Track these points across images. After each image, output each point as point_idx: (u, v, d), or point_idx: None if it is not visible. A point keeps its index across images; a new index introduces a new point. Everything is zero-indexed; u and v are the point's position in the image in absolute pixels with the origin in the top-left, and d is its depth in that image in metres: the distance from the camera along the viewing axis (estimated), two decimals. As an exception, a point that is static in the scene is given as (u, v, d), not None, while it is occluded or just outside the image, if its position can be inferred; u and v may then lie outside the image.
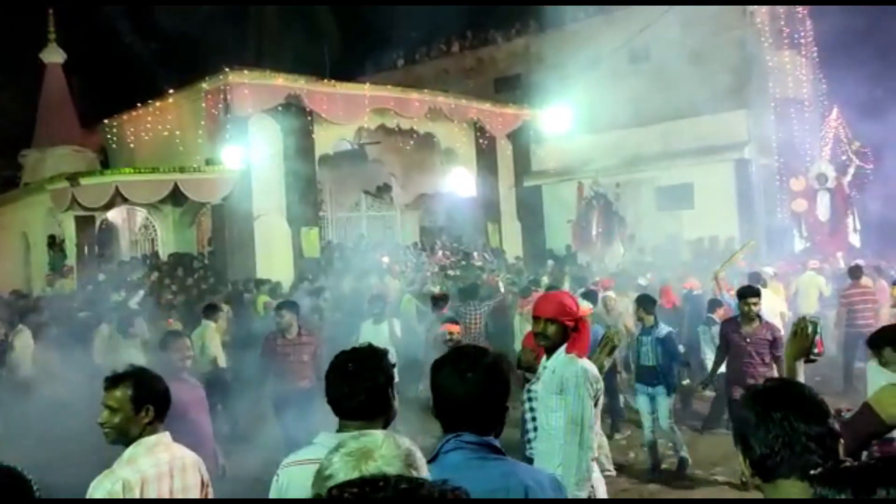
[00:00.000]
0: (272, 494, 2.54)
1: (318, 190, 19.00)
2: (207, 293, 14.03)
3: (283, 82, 16.67)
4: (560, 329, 3.67)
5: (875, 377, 3.83)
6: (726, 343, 6.97)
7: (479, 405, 2.12)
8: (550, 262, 18.07)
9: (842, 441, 1.71)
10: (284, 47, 27.48)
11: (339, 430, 2.45)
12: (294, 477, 2.48)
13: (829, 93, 22.37)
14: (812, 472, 1.42)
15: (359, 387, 2.45)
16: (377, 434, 1.56)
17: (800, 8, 21.54)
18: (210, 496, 3.12)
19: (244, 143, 16.33)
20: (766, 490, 1.74)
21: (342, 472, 1.45)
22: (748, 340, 6.71)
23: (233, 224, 16.56)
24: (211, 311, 9.50)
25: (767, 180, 20.34)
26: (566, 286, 11.67)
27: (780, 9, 21.07)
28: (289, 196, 16.99)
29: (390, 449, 1.49)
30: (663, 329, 7.45)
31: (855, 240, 17.98)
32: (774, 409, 1.69)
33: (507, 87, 25.03)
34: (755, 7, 20.58)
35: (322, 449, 2.18)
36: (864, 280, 10.65)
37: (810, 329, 3.02)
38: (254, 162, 16.38)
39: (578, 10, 23.72)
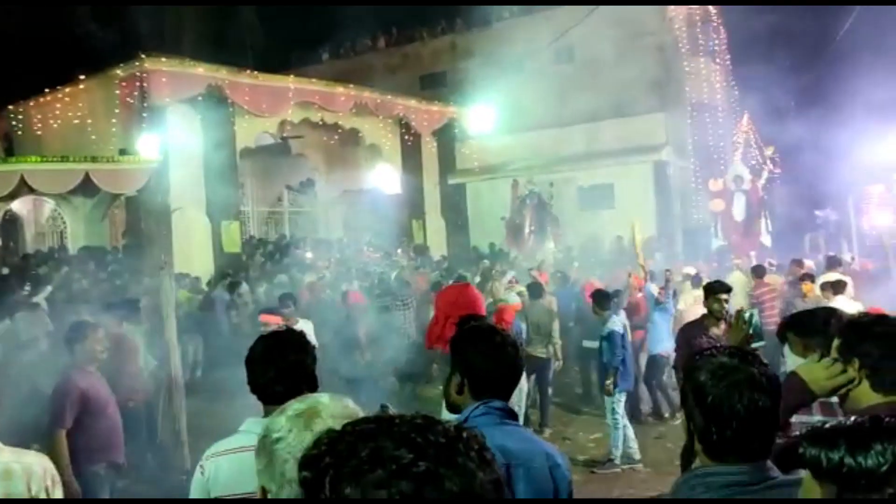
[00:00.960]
0: (196, 487, 2.41)
1: (240, 184, 18.53)
2: (121, 289, 13.47)
3: (204, 71, 16.17)
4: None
5: (791, 362, 3.98)
6: (689, 349, 6.71)
7: (506, 376, 2.31)
8: (486, 262, 18.11)
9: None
10: (204, 36, 26.71)
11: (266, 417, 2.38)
12: (222, 467, 2.38)
13: (740, 99, 23.32)
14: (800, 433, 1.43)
15: (285, 370, 2.42)
16: (322, 395, 1.56)
17: (714, 17, 22.35)
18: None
19: (161, 133, 15.76)
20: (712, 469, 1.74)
21: (292, 433, 1.45)
22: (719, 343, 6.52)
23: (149, 217, 15.97)
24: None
25: (684, 182, 21.03)
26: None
27: (697, 17, 21.82)
28: (209, 189, 16.49)
29: (337, 408, 1.50)
30: (607, 328, 7.57)
31: (766, 240, 18.77)
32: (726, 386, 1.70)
33: (433, 85, 25.05)
34: (673, 14, 21.24)
35: (250, 437, 2.16)
36: (768, 278, 11.11)
37: (746, 318, 3.22)
38: (172, 153, 15.83)
39: (504, 9, 24.01)
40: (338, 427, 1.42)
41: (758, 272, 11.00)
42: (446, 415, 2.40)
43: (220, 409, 8.30)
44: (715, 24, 22.39)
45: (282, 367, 2.44)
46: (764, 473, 1.68)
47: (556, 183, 20.44)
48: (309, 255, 17.11)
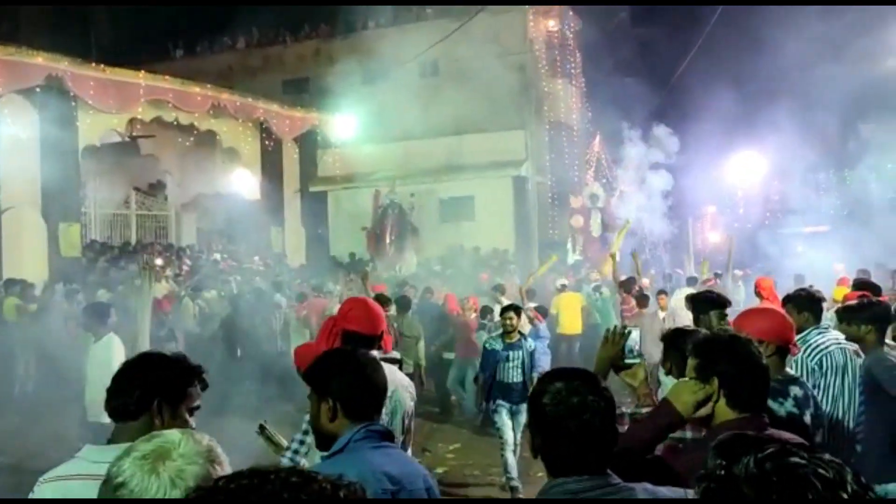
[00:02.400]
0: None
1: (82, 183, 17.22)
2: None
3: (44, 61, 14.86)
4: None
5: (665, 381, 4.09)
6: None
7: (380, 395, 2.34)
8: (353, 275, 17.80)
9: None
10: (43, 25, 24.73)
11: (113, 440, 2.12)
12: (45, 493, 2.09)
13: (593, 120, 24.48)
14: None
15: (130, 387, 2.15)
16: (173, 433, 1.42)
17: (571, 40, 23.35)
18: None
19: (-10, 125, 14.37)
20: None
21: (136, 477, 1.30)
22: None
23: (-27, 216, 14.50)
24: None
25: (541, 197, 21.75)
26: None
27: (555, 39, 22.70)
28: (45, 188, 15.19)
29: (190, 447, 1.38)
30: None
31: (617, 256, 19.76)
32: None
33: (295, 90, 24.50)
34: (534, 35, 21.98)
35: (86, 463, 1.99)
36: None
37: (619, 337, 3.16)
38: (3, 148, 14.45)
39: (371, 18, 23.92)
40: (192, 467, 1.32)
41: (626, 287, 11.15)
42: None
43: (44, 429, 7.66)
44: (571, 47, 23.38)
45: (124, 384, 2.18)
46: (605, 481, 1.80)
47: (419, 194, 20.55)
48: (159, 261, 16.13)
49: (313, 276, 17.01)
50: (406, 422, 3.29)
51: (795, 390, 2.98)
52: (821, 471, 1.06)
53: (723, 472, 1.13)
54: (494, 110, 20.25)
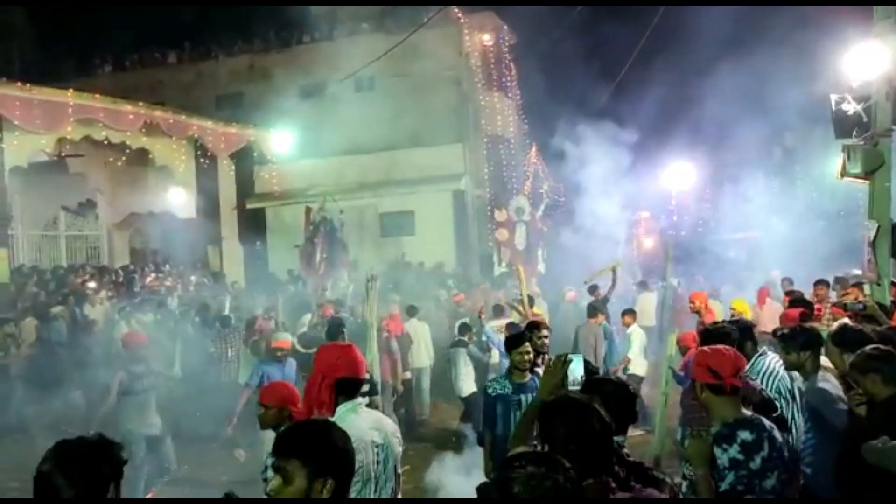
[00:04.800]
0: None
1: (8, 206, 16.58)
2: None
3: (-34, 81, 14.34)
4: None
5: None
6: None
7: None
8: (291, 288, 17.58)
9: None
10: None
11: None
12: None
13: (529, 133, 24.85)
14: None
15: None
16: None
17: (506, 54, 23.68)
18: None
19: None
20: None
21: None
22: None
23: None
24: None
25: (480, 210, 21.95)
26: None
27: (491, 54, 22.98)
28: (-30, 211, 14.61)
29: None
30: None
31: (542, 267, 20.12)
32: None
33: (229, 105, 24.10)
34: (469, 49, 22.21)
35: None
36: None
37: (560, 365, 3.19)
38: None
39: (306, 32, 23.77)
40: None
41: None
42: None
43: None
44: (507, 61, 23.71)
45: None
46: None
47: (358, 209, 20.47)
48: (92, 284, 15.64)
49: (253, 295, 16.76)
50: (396, 468, 3.35)
51: (744, 435, 3.01)
52: None
53: None
54: (432, 124, 20.39)
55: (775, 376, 4.24)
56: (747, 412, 3.18)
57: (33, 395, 9.59)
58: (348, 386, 3.26)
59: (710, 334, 4.20)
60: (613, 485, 2.34)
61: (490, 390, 5.44)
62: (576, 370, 3.82)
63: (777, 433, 3.15)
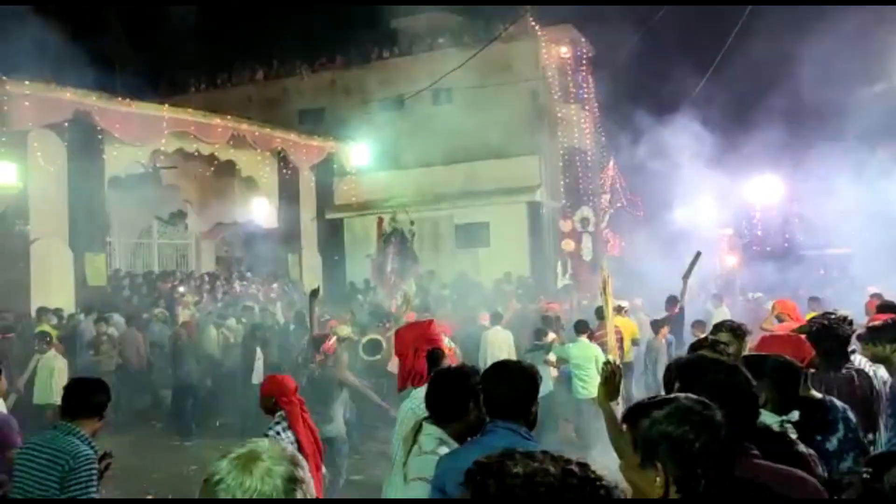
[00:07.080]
0: None
1: (107, 214, 17.65)
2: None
3: (72, 97, 15.35)
4: None
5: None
6: None
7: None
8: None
9: None
10: (68, 58, 25.35)
11: None
12: None
13: (607, 145, 24.72)
14: None
15: None
16: (262, 440, 1.69)
17: (584, 66, 23.67)
18: None
19: (20, 159, 14.79)
20: None
21: (231, 475, 1.55)
22: None
23: (4, 247, 14.88)
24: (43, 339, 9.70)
25: (555, 222, 21.95)
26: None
27: (568, 66, 23.03)
28: (73, 219, 15.61)
29: (276, 451, 1.62)
30: None
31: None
32: None
33: (312, 120, 24.94)
34: (547, 62, 22.32)
35: None
36: (620, 320, 11.59)
37: (610, 370, 3.34)
38: (33, 180, 14.88)
39: (385, 48, 24.41)
40: (279, 467, 1.57)
41: (599, 314, 11.00)
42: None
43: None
44: (584, 73, 23.70)
45: None
46: None
47: (433, 220, 20.80)
48: (181, 289, 16.46)
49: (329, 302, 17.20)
50: None
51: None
52: None
53: None
54: (508, 136, 20.55)
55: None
56: (817, 394, 3.28)
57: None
58: (437, 358, 3.59)
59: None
60: (755, 451, 2.33)
61: None
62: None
63: (851, 414, 3.20)
